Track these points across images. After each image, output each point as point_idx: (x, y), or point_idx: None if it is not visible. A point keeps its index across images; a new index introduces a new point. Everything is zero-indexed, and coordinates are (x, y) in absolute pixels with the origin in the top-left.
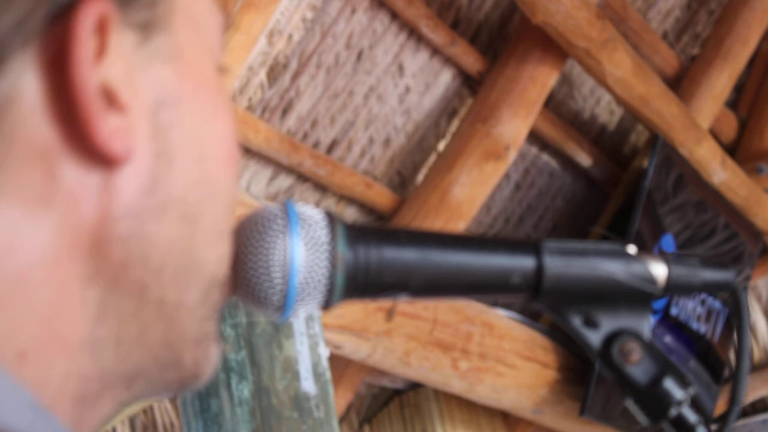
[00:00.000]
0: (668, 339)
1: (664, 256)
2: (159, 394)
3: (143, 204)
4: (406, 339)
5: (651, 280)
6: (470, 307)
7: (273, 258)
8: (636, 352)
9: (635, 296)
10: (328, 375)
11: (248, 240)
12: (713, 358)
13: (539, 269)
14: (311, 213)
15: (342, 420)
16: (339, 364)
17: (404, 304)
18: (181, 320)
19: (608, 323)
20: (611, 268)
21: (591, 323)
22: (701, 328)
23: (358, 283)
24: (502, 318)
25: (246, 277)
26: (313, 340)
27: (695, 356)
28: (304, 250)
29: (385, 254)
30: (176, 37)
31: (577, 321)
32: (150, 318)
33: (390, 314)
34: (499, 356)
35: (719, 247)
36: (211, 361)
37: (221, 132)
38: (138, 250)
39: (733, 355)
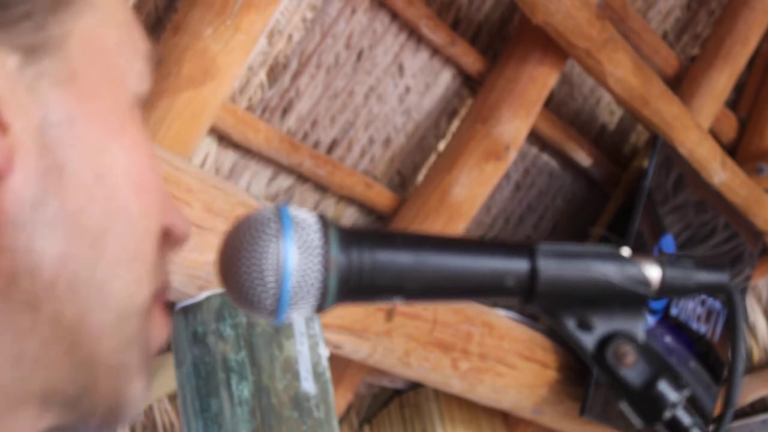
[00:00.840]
0: (668, 339)
1: (658, 258)
2: (88, 427)
3: (31, 216)
4: (406, 339)
5: (645, 282)
6: (470, 307)
7: (266, 262)
8: (630, 355)
9: (629, 298)
10: (328, 375)
11: (241, 244)
12: (713, 358)
13: (533, 272)
14: (304, 216)
15: (342, 420)
16: (339, 364)
17: (402, 305)
18: (88, 342)
19: (602, 326)
20: (605, 271)
21: (585, 326)
22: (701, 328)
23: (352, 287)
24: (503, 318)
25: (239, 281)
26: (313, 340)
27: (695, 356)
28: (297, 254)
29: (379, 258)
30: (70, 62)
31: (571, 323)
32: (48, 335)
33: (390, 314)
34: (499, 356)
35: (719, 248)
36: (133, 397)
37: (130, 159)
38: (26, 262)
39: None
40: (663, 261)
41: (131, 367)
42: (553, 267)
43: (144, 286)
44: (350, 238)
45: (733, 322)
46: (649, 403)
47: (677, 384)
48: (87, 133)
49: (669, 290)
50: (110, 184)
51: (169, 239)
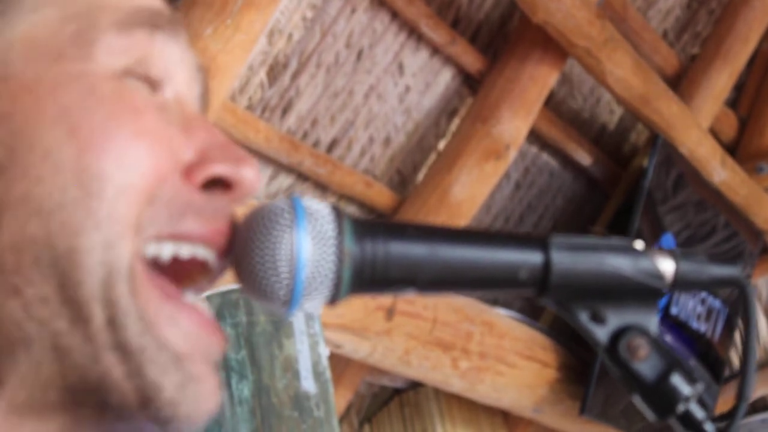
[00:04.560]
0: (668, 338)
1: (671, 252)
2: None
3: None
4: (406, 338)
5: (658, 275)
6: (470, 306)
7: (280, 252)
8: (643, 348)
9: (643, 292)
10: (328, 374)
11: (255, 234)
12: (713, 357)
13: (547, 264)
14: (318, 207)
15: (342, 419)
16: (339, 363)
17: (404, 303)
18: (81, 302)
19: (615, 319)
20: (619, 264)
21: (598, 319)
22: (701, 327)
23: (365, 278)
24: (502, 317)
25: (253, 272)
26: (313, 339)
27: (695, 355)
28: (311, 244)
29: (392, 249)
30: (8, 66)
31: (584, 316)
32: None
33: (390, 313)
34: (499, 355)
35: (719, 247)
36: (160, 379)
37: (84, 131)
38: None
39: (733, 354)
40: (676, 254)
41: (130, 343)
42: (567, 260)
43: (118, 249)
44: (364, 229)
45: (746, 315)
46: (662, 397)
47: (690, 378)
48: (27, 118)
49: (682, 284)
50: (56, 159)
51: (212, 188)
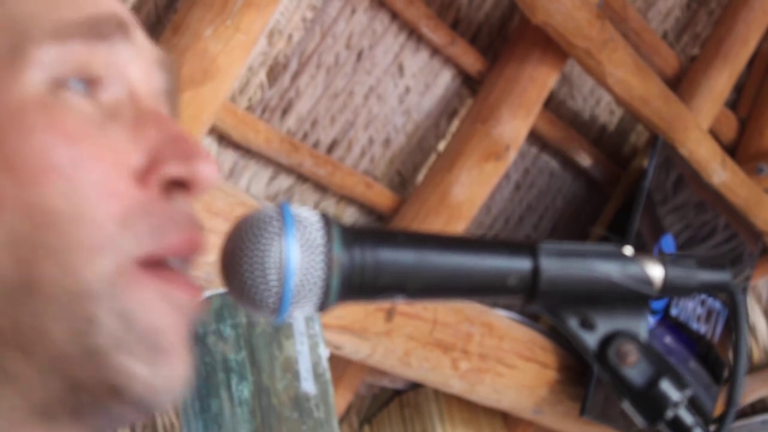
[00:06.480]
0: (668, 339)
1: (660, 258)
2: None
3: None
4: (406, 339)
5: (647, 281)
6: (470, 307)
7: (269, 260)
8: (632, 354)
9: (632, 298)
10: (328, 375)
11: (244, 242)
12: (713, 358)
13: (535, 271)
14: (307, 215)
15: (342, 420)
16: (339, 364)
17: (404, 304)
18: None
19: (605, 325)
20: (607, 270)
21: (587, 325)
22: (701, 328)
23: (354, 286)
24: (502, 318)
25: (241, 279)
26: (313, 340)
27: (695, 357)
28: (300, 252)
29: (381, 256)
30: None
31: (573, 322)
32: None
33: (390, 315)
34: (499, 356)
35: (719, 248)
36: (129, 375)
37: (29, 145)
38: None
39: (732, 356)
40: (665, 260)
41: (102, 346)
42: (555, 266)
43: (91, 261)
44: (352, 236)
45: (735, 321)
46: (651, 403)
47: (679, 383)
48: None
49: (671, 289)
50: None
51: (171, 189)
